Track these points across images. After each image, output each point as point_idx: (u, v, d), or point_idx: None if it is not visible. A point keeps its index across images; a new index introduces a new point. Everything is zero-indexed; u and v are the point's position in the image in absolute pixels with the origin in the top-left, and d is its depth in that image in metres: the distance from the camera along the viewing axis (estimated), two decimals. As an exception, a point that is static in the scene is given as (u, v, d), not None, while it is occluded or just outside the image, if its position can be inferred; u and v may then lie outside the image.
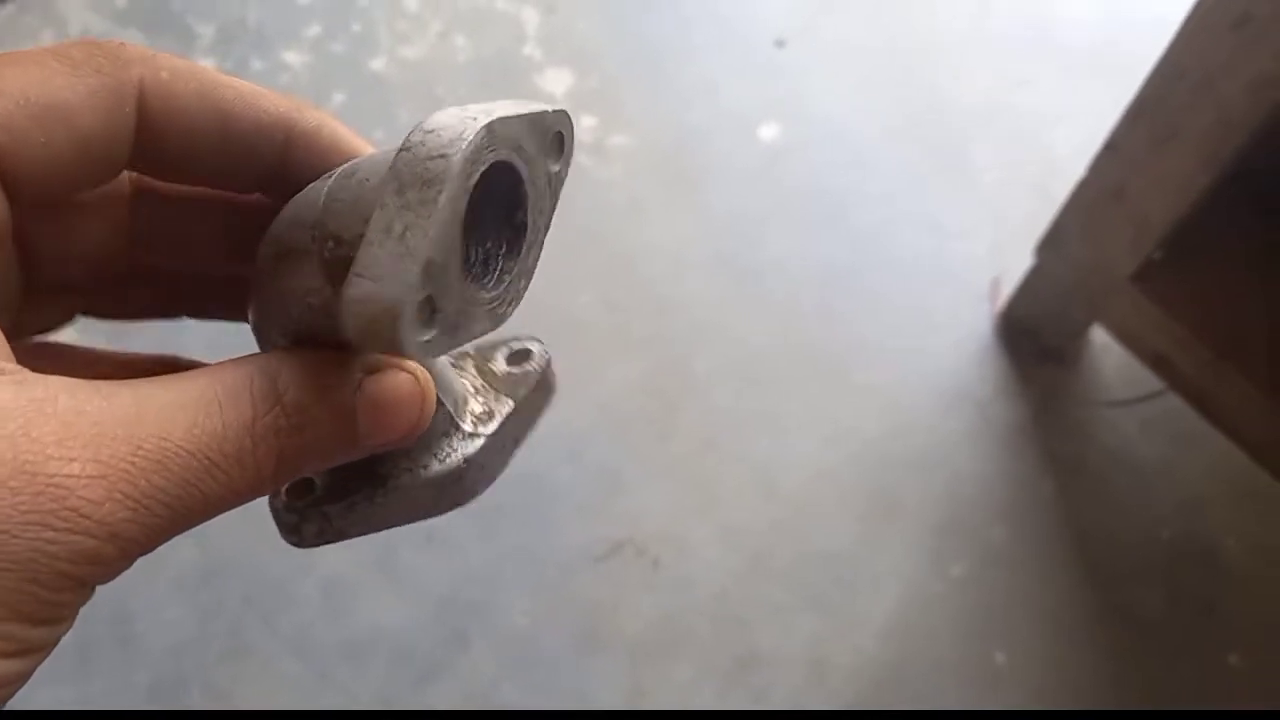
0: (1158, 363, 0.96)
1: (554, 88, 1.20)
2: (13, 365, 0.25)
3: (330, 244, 0.27)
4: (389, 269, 0.24)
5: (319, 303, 0.28)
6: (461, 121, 0.25)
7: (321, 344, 0.28)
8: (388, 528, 0.32)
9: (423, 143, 0.24)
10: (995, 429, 1.04)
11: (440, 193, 0.24)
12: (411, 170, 0.24)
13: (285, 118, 0.30)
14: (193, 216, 0.33)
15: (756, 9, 1.30)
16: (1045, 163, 1.19)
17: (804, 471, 1.00)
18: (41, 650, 0.24)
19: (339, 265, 0.26)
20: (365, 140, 0.31)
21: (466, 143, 0.24)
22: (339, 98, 1.17)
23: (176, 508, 0.25)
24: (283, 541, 0.32)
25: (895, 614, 0.95)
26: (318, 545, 0.32)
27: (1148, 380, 0.99)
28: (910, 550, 0.97)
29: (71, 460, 0.23)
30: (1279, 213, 0.96)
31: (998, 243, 1.14)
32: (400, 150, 0.25)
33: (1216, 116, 0.83)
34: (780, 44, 1.27)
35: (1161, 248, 0.92)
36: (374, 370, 0.29)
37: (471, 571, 0.92)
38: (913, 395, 1.05)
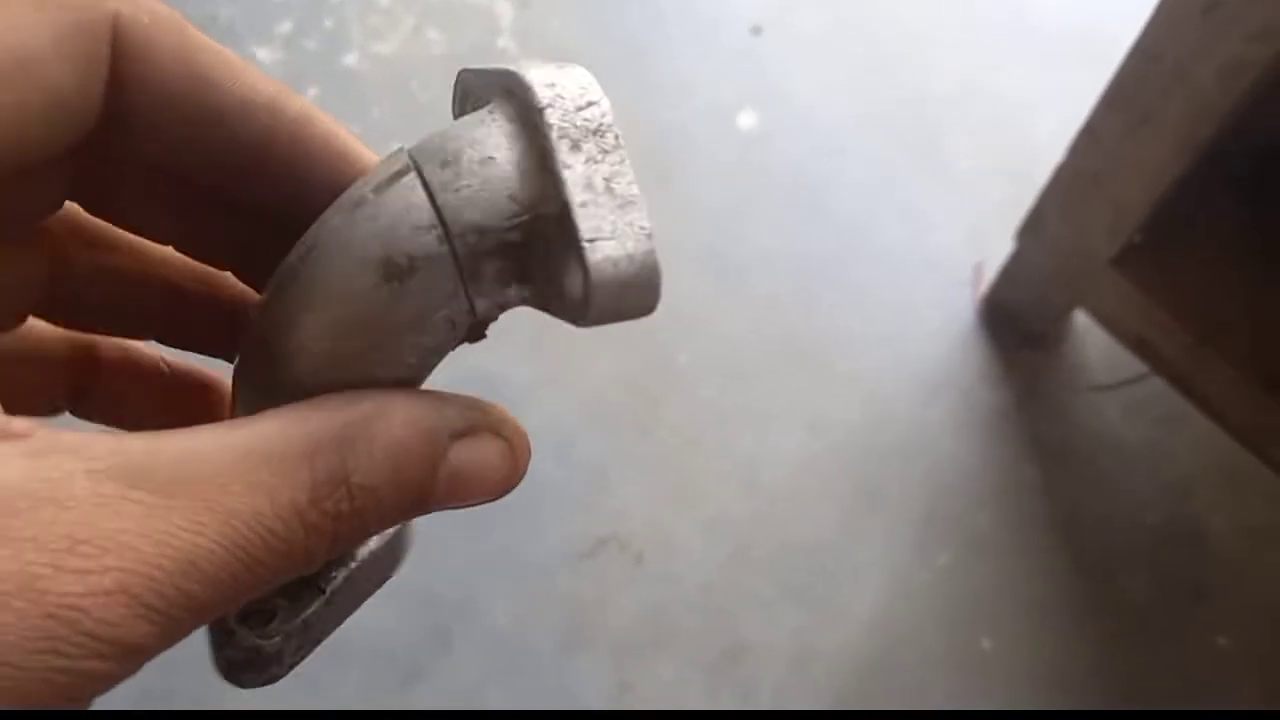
0: (1140, 346, 0.96)
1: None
2: (23, 424, 0.20)
3: (472, 237, 0.23)
4: (619, 223, 0.22)
5: (462, 315, 0.24)
6: (565, 72, 0.24)
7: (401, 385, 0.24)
8: (335, 629, 0.28)
9: (560, 96, 0.23)
10: (978, 416, 1.04)
11: (616, 136, 0.23)
12: (574, 124, 0.23)
13: (273, 100, 0.25)
14: (125, 289, 0.29)
15: (732, -3, 1.29)
16: (1023, 147, 1.19)
17: (787, 463, 0.99)
18: None
19: (487, 257, 0.23)
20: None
21: (598, 87, 0.23)
22: (312, 93, 1.16)
23: (205, 610, 0.21)
24: None
25: (881, 604, 0.94)
26: (280, 677, 0.27)
27: (1131, 364, 0.99)
28: (895, 539, 0.97)
29: (89, 573, 0.19)
30: (1255, 196, 0.96)
31: (977, 229, 1.13)
32: (538, 109, 0.23)
33: (1190, 101, 0.82)
34: (756, 31, 1.26)
35: (1141, 232, 0.91)
36: (465, 434, 0.24)
37: (453, 571, 0.91)
38: (895, 384, 1.05)
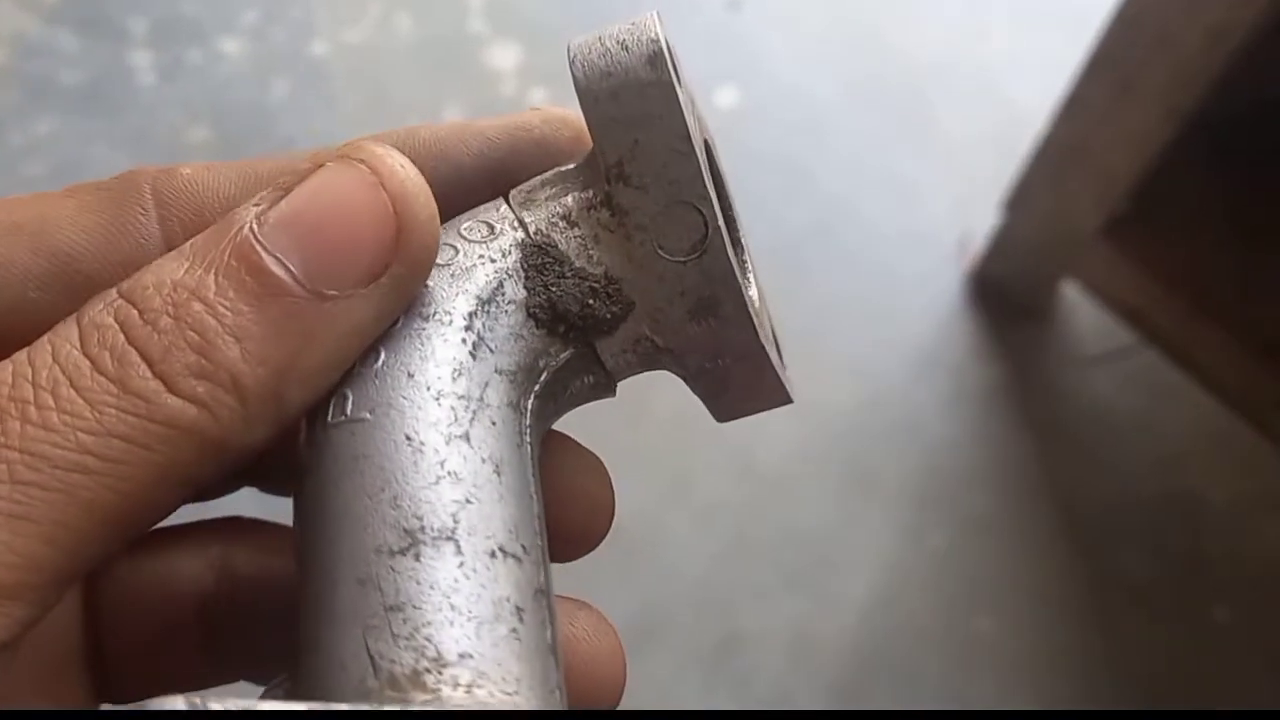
0: (1131, 317, 0.94)
1: (503, 63, 1.17)
2: None
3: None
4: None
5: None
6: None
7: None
8: None
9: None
10: (969, 393, 1.02)
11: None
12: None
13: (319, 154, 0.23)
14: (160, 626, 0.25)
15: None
16: (1007, 116, 1.17)
17: (779, 449, 0.98)
18: None
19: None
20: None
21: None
22: (281, 85, 1.13)
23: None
24: None
25: (877, 588, 0.93)
26: None
27: (1122, 335, 0.98)
28: (889, 523, 0.96)
29: None
30: (1242, 161, 0.94)
31: (964, 201, 1.11)
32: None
33: (1174, 66, 0.80)
34: (734, 6, 1.24)
35: (1128, 201, 0.90)
36: (282, 191, 0.19)
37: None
38: (884, 363, 1.03)
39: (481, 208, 0.24)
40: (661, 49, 0.23)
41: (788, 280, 1.06)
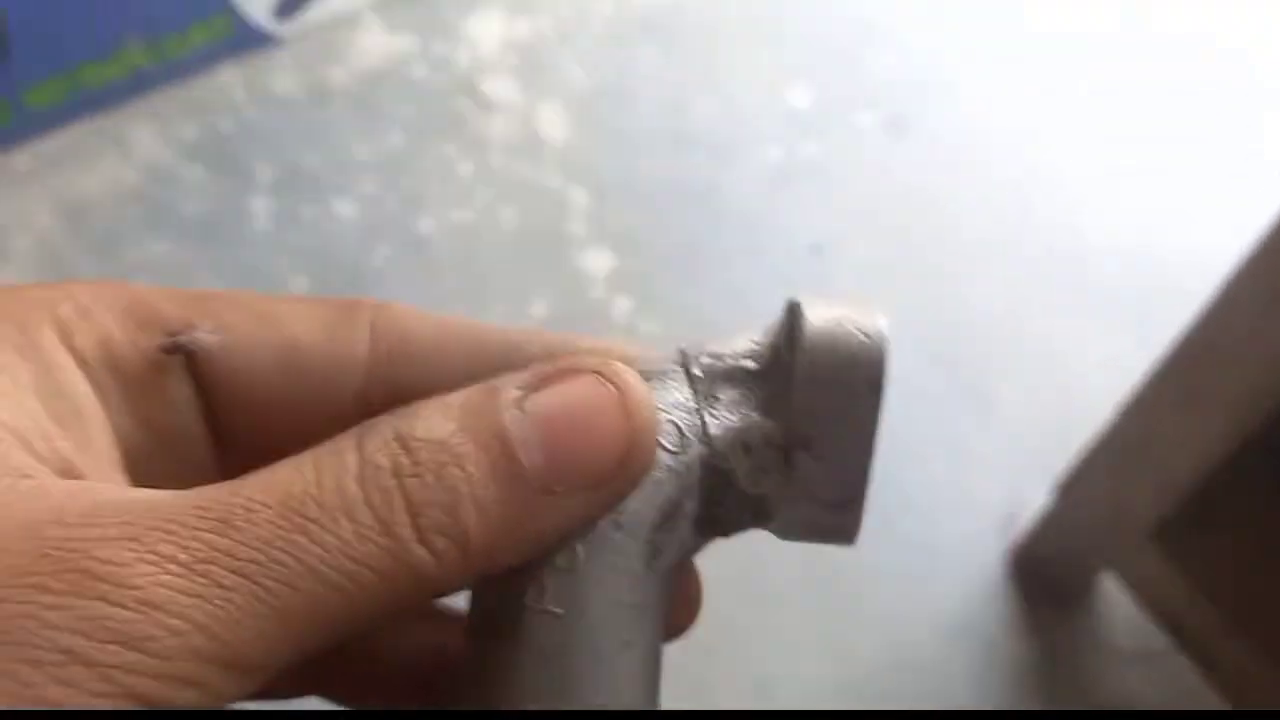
0: (1167, 621, 0.95)
1: (596, 267, 1.22)
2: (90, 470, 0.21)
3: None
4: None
5: None
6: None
7: None
8: None
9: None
10: (1000, 669, 1.02)
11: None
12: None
13: (537, 335, 0.26)
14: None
15: (796, 216, 1.33)
16: (1066, 397, 1.20)
17: (804, 689, 0.98)
18: None
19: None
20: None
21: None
22: (383, 251, 1.19)
23: (262, 580, 0.18)
24: None
25: None
26: None
27: (1159, 636, 0.98)
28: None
29: (92, 526, 0.18)
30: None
31: (1014, 474, 1.13)
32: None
33: (1245, 384, 0.84)
34: (816, 250, 1.30)
35: (1182, 507, 0.91)
36: (537, 386, 0.22)
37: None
38: (918, 627, 1.03)
39: (667, 382, 0.25)
40: (885, 372, 0.26)
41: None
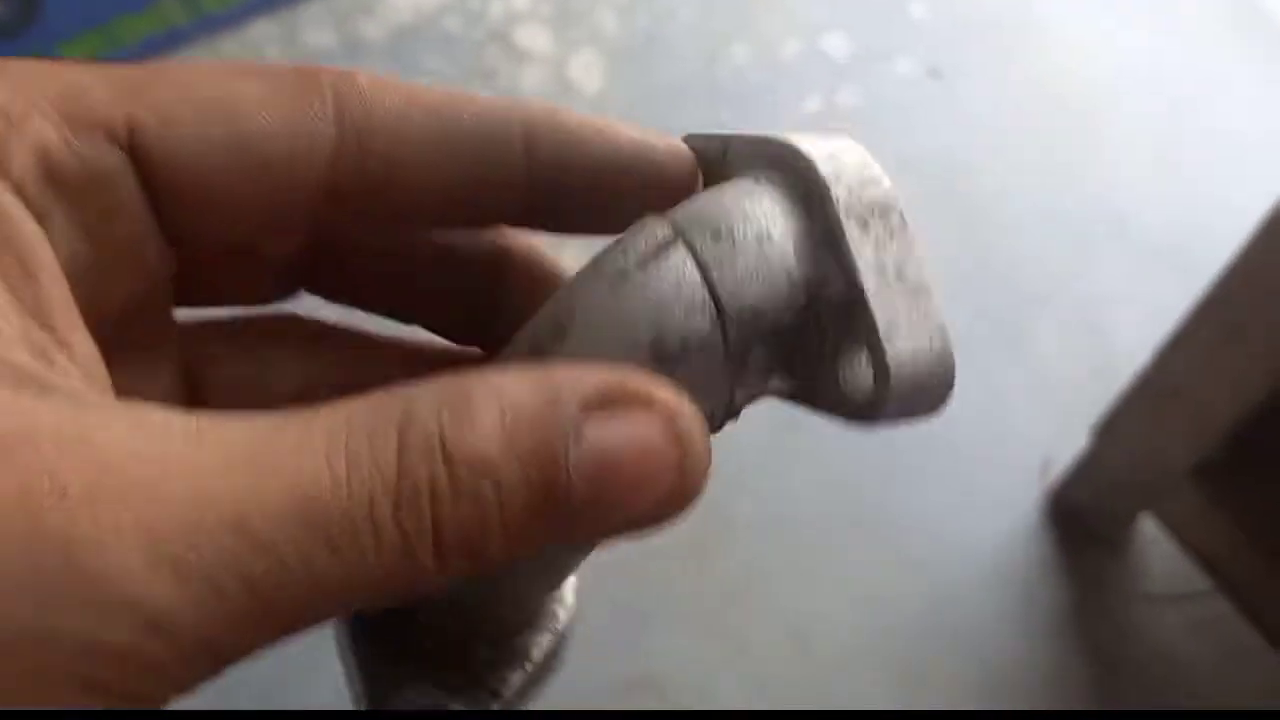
0: (1208, 564, 0.94)
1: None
2: (80, 383, 0.18)
3: (747, 321, 0.21)
4: (913, 313, 0.21)
5: (720, 408, 0.22)
6: (840, 144, 0.22)
7: None
8: None
9: (842, 171, 0.21)
10: (1036, 612, 1.02)
11: (902, 216, 0.21)
12: (859, 201, 0.21)
13: (518, 106, 0.23)
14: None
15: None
16: (1105, 345, 1.19)
17: (838, 633, 0.98)
18: None
19: (757, 343, 0.21)
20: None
21: (877, 164, 0.21)
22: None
23: (266, 589, 0.17)
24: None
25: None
26: None
27: (1197, 578, 0.97)
28: (937, 727, 0.94)
29: (94, 511, 0.16)
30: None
31: (1051, 420, 1.13)
32: (823, 184, 0.21)
33: (1285, 322, 0.82)
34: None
35: (1222, 447, 0.90)
36: (601, 404, 0.19)
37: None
38: (955, 569, 1.03)
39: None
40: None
41: (869, 473, 1.07)
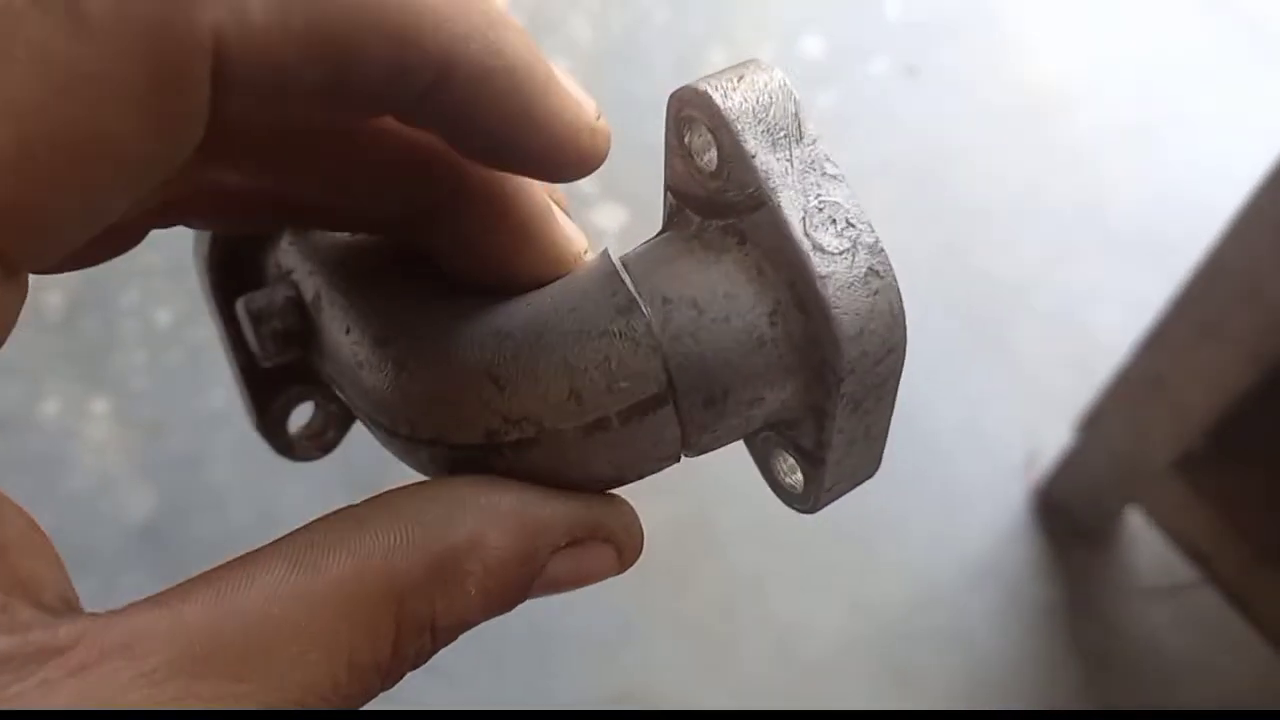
0: (1194, 555, 0.94)
1: (609, 224, 1.22)
2: (69, 631, 0.18)
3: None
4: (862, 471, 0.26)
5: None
6: (886, 315, 0.24)
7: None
8: None
9: (865, 353, 0.23)
10: (1023, 610, 1.01)
11: (894, 385, 0.25)
12: (864, 386, 0.24)
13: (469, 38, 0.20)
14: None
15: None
16: (1085, 340, 1.19)
17: (825, 637, 0.98)
18: None
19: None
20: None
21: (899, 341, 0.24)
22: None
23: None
24: None
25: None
26: None
27: (1183, 570, 0.97)
28: (927, 728, 0.94)
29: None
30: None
31: (1034, 417, 1.13)
32: (841, 370, 0.23)
33: (1262, 316, 0.82)
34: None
35: (1204, 439, 0.90)
36: (570, 544, 0.23)
37: (476, 705, 0.90)
38: (941, 570, 1.03)
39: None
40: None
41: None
